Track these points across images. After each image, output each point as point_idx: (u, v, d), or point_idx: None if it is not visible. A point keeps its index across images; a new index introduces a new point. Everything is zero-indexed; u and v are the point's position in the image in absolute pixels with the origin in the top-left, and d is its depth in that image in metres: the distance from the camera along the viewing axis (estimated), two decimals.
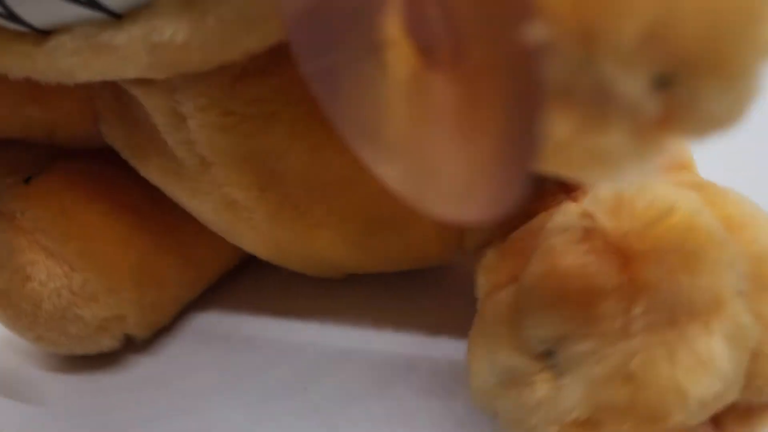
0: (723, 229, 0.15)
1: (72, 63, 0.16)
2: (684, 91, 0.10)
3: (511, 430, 0.17)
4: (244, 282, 0.29)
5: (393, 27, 0.12)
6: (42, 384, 0.25)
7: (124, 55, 0.16)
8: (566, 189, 0.19)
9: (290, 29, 0.13)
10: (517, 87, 0.09)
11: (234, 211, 0.22)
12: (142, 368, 0.25)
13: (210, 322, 0.27)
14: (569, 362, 0.15)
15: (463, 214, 0.12)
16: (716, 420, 0.16)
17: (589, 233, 0.16)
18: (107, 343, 0.24)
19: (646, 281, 0.15)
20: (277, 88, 0.19)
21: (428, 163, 0.12)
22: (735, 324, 0.15)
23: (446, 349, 0.24)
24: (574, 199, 0.18)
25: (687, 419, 0.15)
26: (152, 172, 0.23)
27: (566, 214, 0.17)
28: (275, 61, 0.18)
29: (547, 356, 0.16)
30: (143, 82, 0.19)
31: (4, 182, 0.23)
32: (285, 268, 0.26)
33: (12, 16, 0.16)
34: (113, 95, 0.22)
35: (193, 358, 0.25)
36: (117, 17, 0.15)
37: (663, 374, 0.14)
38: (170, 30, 0.15)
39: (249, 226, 0.22)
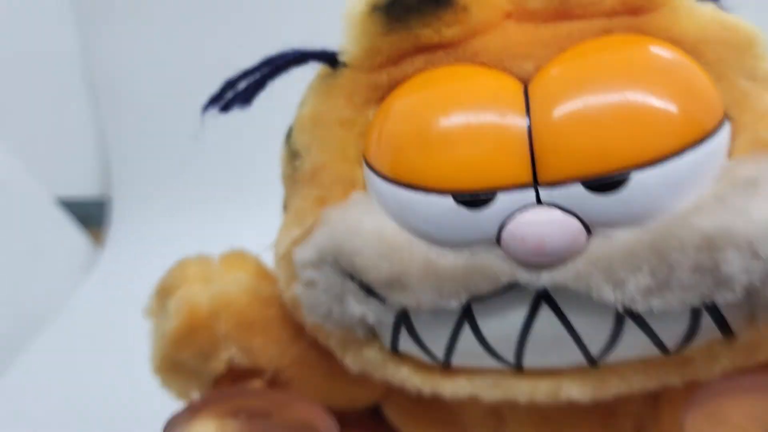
0: None
1: (471, 393, 0.23)
2: None
3: None
4: None
5: None
6: None
7: (520, 395, 0.22)
8: None
9: None
10: None
11: None
12: None
13: None
14: None
15: None
16: None
17: None
18: None
19: None
20: (583, 407, 0.24)
21: None
22: None
23: None
24: None
25: None
26: None
27: None
28: None
29: None
30: None
31: None
32: None
33: (446, 365, 0.22)
34: None
35: None
36: (520, 369, 0.22)
37: None
38: (576, 392, 0.22)
39: None
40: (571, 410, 0.26)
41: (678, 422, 0.24)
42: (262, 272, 0.26)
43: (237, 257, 0.26)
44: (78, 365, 0.48)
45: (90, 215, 0.64)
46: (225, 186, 0.61)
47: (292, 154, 0.24)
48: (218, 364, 0.25)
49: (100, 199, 0.66)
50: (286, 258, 0.23)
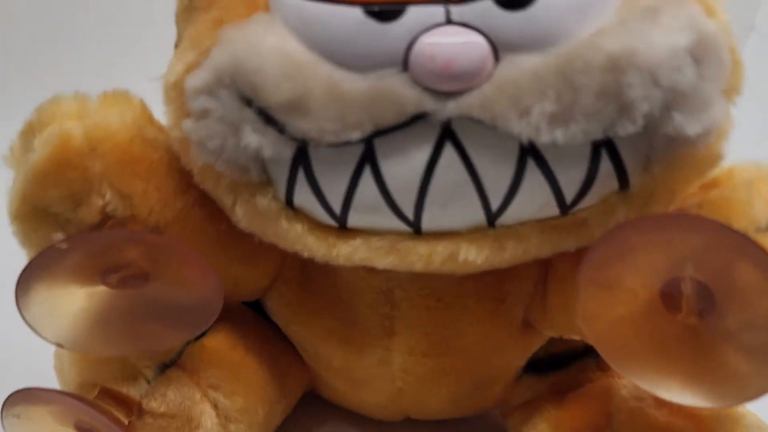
0: None
1: (366, 257, 0.21)
2: None
3: None
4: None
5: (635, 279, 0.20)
6: None
7: (417, 260, 0.21)
8: (602, 368, 0.28)
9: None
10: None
11: (384, 368, 0.27)
12: None
13: None
14: None
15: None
16: None
17: (660, 402, 0.24)
18: None
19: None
20: (474, 288, 0.25)
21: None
22: None
23: None
24: (612, 376, 0.27)
25: None
26: (313, 331, 0.27)
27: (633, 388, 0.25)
28: None
29: None
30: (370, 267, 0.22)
31: None
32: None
33: (342, 222, 0.21)
34: (301, 263, 0.26)
35: None
36: (418, 231, 0.21)
37: None
38: (474, 254, 0.21)
39: (387, 379, 0.27)
40: (462, 293, 0.26)
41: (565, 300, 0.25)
42: (147, 114, 0.24)
43: (120, 96, 0.23)
44: None
45: None
46: None
47: None
48: (90, 212, 0.22)
49: None
50: (177, 87, 0.21)
